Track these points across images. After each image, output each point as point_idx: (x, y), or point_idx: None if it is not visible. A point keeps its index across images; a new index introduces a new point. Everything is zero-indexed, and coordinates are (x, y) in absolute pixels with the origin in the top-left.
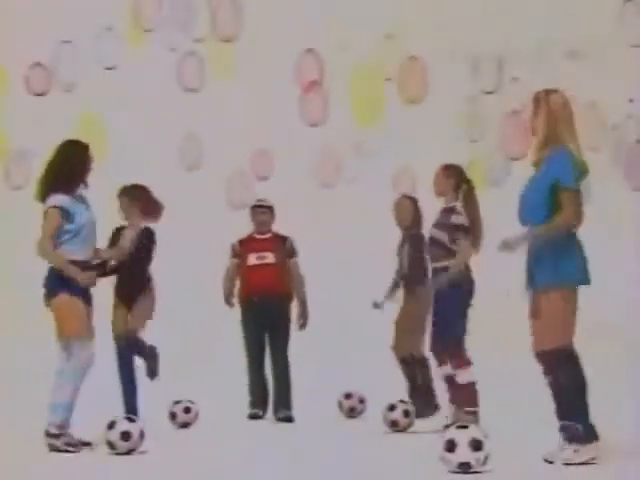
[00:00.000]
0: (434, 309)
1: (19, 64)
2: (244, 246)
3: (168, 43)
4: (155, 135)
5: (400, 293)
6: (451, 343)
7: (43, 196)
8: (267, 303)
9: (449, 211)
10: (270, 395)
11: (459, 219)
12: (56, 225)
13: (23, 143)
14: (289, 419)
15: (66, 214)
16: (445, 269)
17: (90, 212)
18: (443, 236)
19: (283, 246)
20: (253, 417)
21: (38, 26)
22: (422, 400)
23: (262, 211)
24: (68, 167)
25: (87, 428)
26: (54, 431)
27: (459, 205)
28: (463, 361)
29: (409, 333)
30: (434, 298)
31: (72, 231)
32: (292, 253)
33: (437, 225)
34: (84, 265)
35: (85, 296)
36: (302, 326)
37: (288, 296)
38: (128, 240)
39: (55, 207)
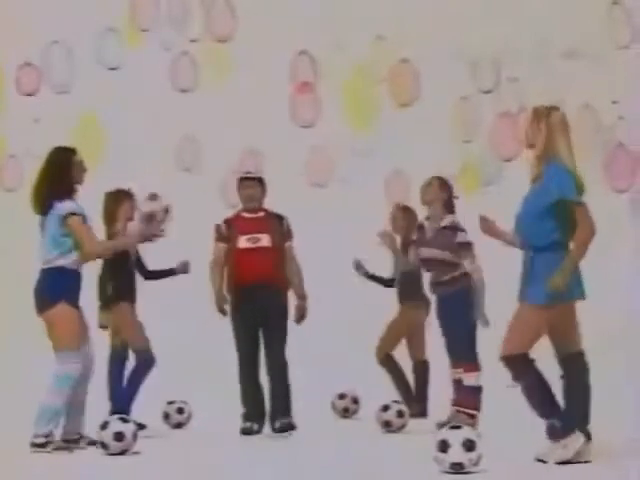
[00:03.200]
0: (442, 316)
1: (13, 64)
2: (233, 227)
3: (164, 43)
4: (150, 135)
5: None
6: (463, 347)
7: (44, 206)
8: (261, 294)
9: (453, 230)
10: (266, 404)
11: (464, 237)
12: (91, 229)
13: (17, 144)
14: (290, 427)
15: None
16: (447, 282)
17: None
18: (446, 255)
19: (279, 227)
20: (246, 432)
21: (33, 26)
22: (411, 402)
23: (249, 184)
24: (66, 173)
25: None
26: (40, 441)
27: (458, 221)
28: (473, 365)
29: (399, 337)
30: (440, 306)
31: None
32: (288, 235)
33: (437, 245)
34: None
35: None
36: (300, 319)
37: (285, 285)
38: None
39: (76, 214)
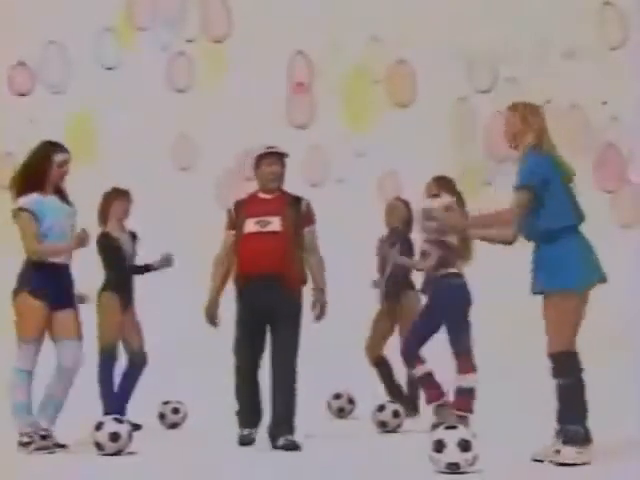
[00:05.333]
0: (434, 317)
1: (5, 64)
2: (243, 209)
3: (160, 43)
4: (147, 135)
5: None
6: (461, 348)
7: (15, 195)
8: (269, 287)
9: None
10: (262, 411)
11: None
12: (32, 228)
13: (14, 144)
14: (294, 446)
15: (35, 216)
16: (444, 277)
17: (64, 214)
18: (425, 246)
19: (296, 210)
20: (245, 442)
21: (28, 26)
22: (403, 401)
23: (274, 160)
24: (29, 167)
25: (75, 429)
26: (25, 440)
27: None
28: (470, 366)
29: (386, 336)
30: (435, 307)
31: (40, 235)
32: (309, 220)
33: (424, 237)
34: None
35: (55, 298)
36: (318, 317)
37: (300, 279)
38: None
39: (23, 210)
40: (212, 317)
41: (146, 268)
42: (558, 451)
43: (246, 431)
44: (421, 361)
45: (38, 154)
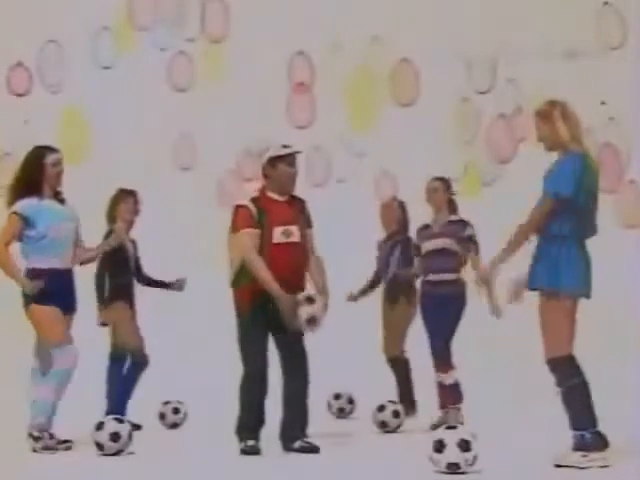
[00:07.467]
0: (430, 316)
1: (3, 64)
2: (265, 212)
3: (160, 43)
4: (147, 135)
5: (380, 293)
6: (441, 348)
7: (9, 203)
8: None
9: (462, 224)
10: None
11: (472, 231)
12: (11, 231)
13: (13, 143)
14: (312, 449)
15: (26, 221)
16: (455, 282)
17: (62, 218)
18: (454, 246)
19: (304, 215)
20: (251, 452)
21: (26, 26)
22: (404, 400)
23: (292, 161)
24: (35, 173)
25: (74, 429)
26: (36, 434)
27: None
28: (449, 366)
29: (395, 334)
30: (429, 304)
31: (33, 238)
32: (309, 223)
33: (448, 235)
34: None
35: (60, 302)
36: (314, 324)
37: (304, 284)
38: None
39: (14, 213)
40: (291, 306)
41: (161, 283)
42: (585, 456)
43: (251, 442)
44: (452, 367)
45: (30, 159)
